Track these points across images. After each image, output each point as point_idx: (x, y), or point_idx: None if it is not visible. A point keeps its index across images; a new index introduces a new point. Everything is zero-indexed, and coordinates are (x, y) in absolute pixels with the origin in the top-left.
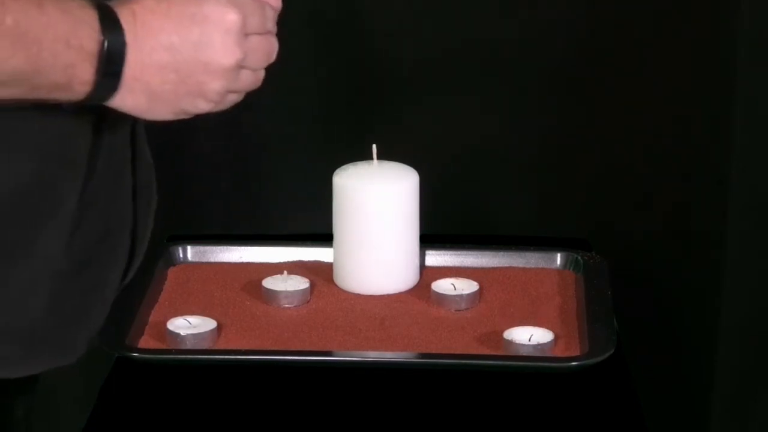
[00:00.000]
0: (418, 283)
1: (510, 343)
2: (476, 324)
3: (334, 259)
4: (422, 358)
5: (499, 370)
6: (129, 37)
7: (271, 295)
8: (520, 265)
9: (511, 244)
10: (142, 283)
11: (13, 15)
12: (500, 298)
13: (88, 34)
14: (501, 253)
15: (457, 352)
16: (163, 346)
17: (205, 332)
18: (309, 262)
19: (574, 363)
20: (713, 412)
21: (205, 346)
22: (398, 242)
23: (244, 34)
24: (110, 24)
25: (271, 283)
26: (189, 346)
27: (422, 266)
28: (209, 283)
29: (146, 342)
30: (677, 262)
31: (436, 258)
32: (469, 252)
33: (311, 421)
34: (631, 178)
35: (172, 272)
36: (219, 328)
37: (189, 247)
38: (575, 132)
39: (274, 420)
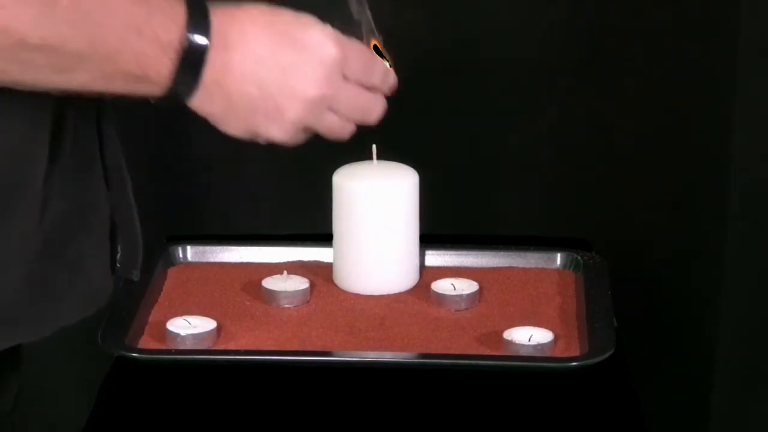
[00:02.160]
0: (418, 283)
1: (510, 343)
2: (476, 324)
3: (334, 259)
4: (422, 358)
5: (499, 370)
6: (217, 38)
7: (271, 295)
8: (520, 265)
9: (511, 244)
10: (142, 283)
11: None
12: (500, 298)
13: (166, 26)
14: (501, 253)
15: (457, 352)
16: (163, 346)
17: (205, 332)
18: (309, 262)
19: (574, 363)
20: (713, 412)
21: (204, 346)
22: (398, 242)
23: (341, 74)
24: (198, 21)
25: (271, 283)
26: (189, 346)
27: (422, 266)
28: (209, 283)
29: (146, 342)
30: (677, 262)
31: (436, 258)
32: (469, 252)
33: (311, 421)
34: (631, 178)
35: (171, 272)
36: (219, 328)
37: (189, 247)
38: (575, 132)
39: (274, 420)
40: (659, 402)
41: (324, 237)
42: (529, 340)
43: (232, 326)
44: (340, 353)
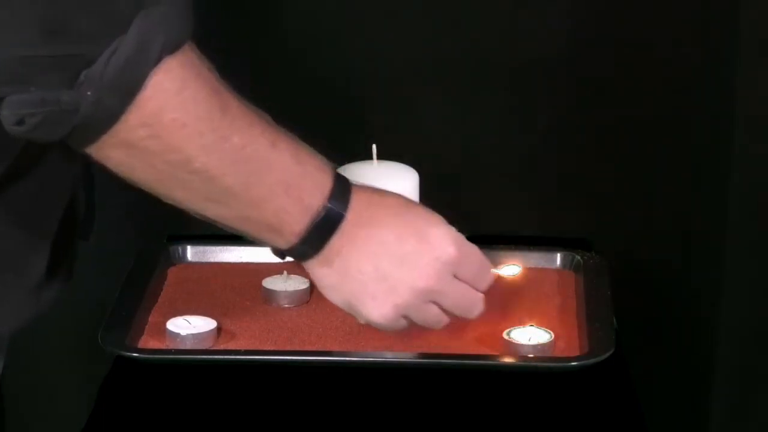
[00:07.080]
0: None
1: (510, 343)
2: (476, 324)
3: None
4: (422, 358)
5: (498, 370)
6: (351, 215)
7: (271, 295)
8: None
9: (511, 244)
10: (142, 283)
11: (242, 138)
12: (500, 298)
13: (311, 191)
14: (501, 253)
15: (457, 352)
16: (163, 346)
17: (205, 332)
18: None
19: (574, 363)
20: (713, 412)
21: (205, 346)
22: None
23: (452, 273)
24: (340, 194)
25: (271, 283)
26: (189, 346)
27: None
28: (209, 283)
29: (146, 342)
30: (677, 262)
31: None
32: None
33: (311, 421)
34: (631, 178)
35: (172, 272)
36: (219, 328)
37: (189, 247)
38: (575, 132)
39: (274, 420)
40: (659, 402)
41: None
42: (529, 340)
43: (232, 326)
44: (340, 353)
